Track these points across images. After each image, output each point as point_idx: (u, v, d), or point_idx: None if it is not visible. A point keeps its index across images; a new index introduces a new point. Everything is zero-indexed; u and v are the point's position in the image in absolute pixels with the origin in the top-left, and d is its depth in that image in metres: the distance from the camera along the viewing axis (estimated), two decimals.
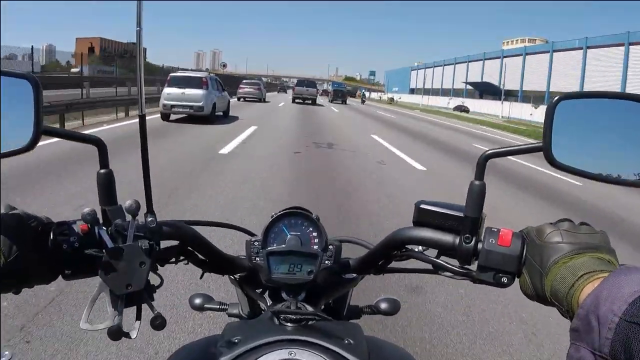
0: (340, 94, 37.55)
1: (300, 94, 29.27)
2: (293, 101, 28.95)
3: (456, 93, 59.05)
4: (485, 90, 50.30)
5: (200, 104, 12.27)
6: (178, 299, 2.49)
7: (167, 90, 12.32)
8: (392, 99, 66.95)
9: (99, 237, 0.52)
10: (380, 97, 76.07)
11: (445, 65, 66.48)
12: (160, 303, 0.57)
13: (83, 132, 0.56)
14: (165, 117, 12.33)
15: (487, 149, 0.55)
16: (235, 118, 14.49)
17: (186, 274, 2.58)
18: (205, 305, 0.82)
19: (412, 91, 76.05)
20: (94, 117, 12.11)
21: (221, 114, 14.37)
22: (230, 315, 0.81)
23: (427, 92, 67.01)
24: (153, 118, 11.96)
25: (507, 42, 74.09)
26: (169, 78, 13.06)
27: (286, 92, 56.24)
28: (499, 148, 0.55)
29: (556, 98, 0.52)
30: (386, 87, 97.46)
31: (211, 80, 13.36)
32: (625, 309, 0.37)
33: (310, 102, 29.05)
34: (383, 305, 0.81)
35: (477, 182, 0.54)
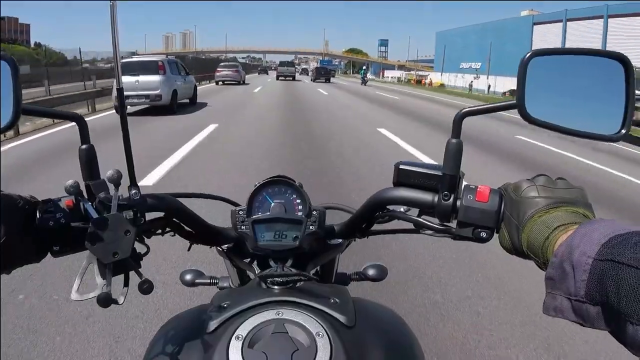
0: (323, 72, 41.05)
1: (282, 72, 40.78)
2: (277, 78, 39.66)
3: None
4: None
5: (157, 92, 11.50)
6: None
7: None
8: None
9: (84, 211, 0.57)
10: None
11: None
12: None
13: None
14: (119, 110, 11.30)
15: (463, 108, 0.60)
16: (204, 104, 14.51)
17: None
18: (196, 281, 0.89)
19: None
20: None
21: (187, 101, 13.76)
22: (221, 288, 0.88)
23: None
24: (106, 115, 11.29)
25: None
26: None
27: (267, 74, 57.38)
28: (474, 106, 0.60)
29: (528, 54, 0.57)
30: (437, 64, 57.45)
31: (170, 64, 12.54)
32: (598, 250, 0.41)
33: (291, 78, 40.34)
34: (370, 272, 0.89)
35: (453, 140, 0.59)
